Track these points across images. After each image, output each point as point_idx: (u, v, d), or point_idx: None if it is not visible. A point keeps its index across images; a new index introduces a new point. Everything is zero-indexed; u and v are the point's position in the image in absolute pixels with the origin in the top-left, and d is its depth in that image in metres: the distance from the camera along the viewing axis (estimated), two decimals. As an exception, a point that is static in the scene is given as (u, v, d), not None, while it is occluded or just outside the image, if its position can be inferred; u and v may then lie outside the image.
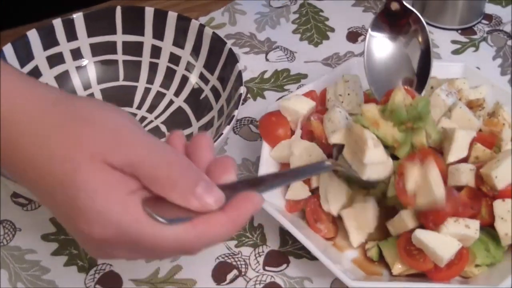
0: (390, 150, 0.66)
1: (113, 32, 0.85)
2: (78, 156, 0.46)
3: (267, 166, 0.73)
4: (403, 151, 0.66)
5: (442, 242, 0.63)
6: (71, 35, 0.84)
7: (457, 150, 0.68)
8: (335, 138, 0.66)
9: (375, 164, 0.63)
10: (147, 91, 0.86)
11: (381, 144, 0.64)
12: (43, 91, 0.50)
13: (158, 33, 0.85)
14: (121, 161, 0.47)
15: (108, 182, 0.47)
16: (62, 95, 0.51)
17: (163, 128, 0.83)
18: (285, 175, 0.62)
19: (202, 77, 0.84)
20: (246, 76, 0.90)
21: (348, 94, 0.74)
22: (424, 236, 0.64)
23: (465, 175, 0.67)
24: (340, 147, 0.66)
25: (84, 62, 0.86)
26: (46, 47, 0.82)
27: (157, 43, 0.85)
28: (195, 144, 0.52)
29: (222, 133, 0.70)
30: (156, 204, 0.47)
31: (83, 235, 0.48)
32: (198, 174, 0.49)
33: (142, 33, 0.86)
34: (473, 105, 0.77)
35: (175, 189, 0.47)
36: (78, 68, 0.85)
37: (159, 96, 0.86)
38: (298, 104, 0.75)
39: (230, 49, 0.80)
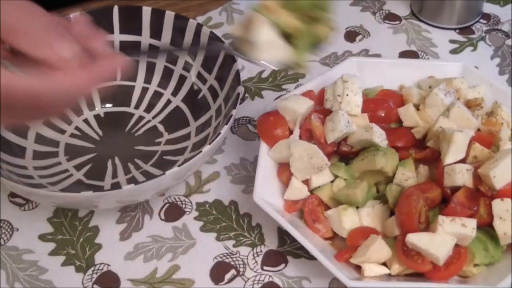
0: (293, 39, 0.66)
1: (110, 31, 0.85)
2: None
3: (265, 165, 0.73)
4: (304, 42, 0.66)
5: (436, 241, 0.63)
6: (69, 34, 0.84)
7: (455, 152, 0.68)
8: (234, 29, 0.67)
9: (268, 45, 0.64)
10: (144, 90, 0.86)
11: (274, 28, 0.65)
12: None
13: (156, 33, 0.85)
14: None
15: None
16: None
17: (161, 127, 0.83)
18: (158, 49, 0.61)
19: (199, 76, 0.84)
20: (243, 76, 0.90)
21: (347, 95, 0.74)
22: (417, 239, 0.63)
23: (461, 176, 0.67)
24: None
25: (82, 61, 0.85)
26: (43, 46, 0.82)
27: (155, 42, 0.85)
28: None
29: (220, 133, 0.70)
30: (14, 60, 0.46)
31: None
32: (56, 26, 0.47)
33: (139, 33, 0.85)
34: (471, 105, 0.77)
35: (25, 36, 0.45)
36: (76, 67, 0.85)
37: (157, 95, 0.86)
38: (296, 104, 0.75)
39: (228, 49, 0.79)
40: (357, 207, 0.70)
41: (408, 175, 0.70)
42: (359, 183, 0.70)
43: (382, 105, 0.77)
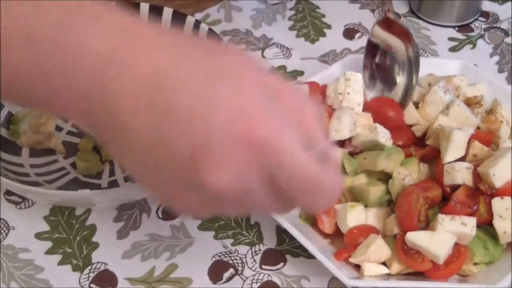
0: None
1: (108, 28, 0.84)
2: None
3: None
4: None
5: (436, 240, 0.63)
6: (66, 31, 0.83)
7: (454, 150, 0.68)
8: None
9: None
10: (142, 88, 0.85)
11: None
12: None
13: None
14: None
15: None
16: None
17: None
18: None
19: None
20: (242, 73, 0.89)
21: (348, 93, 0.73)
22: (416, 237, 0.63)
23: (461, 174, 0.67)
24: None
25: (79, 58, 0.85)
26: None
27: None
28: None
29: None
30: None
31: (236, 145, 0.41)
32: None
33: (137, 30, 0.85)
34: (471, 103, 0.76)
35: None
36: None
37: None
38: None
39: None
40: (366, 206, 0.69)
41: (404, 173, 0.69)
42: (378, 184, 0.70)
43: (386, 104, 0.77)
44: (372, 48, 0.79)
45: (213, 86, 0.41)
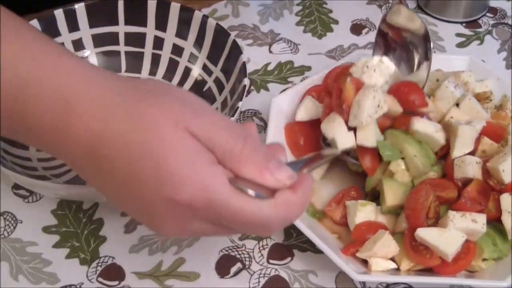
0: None
1: (115, 23, 0.84)
2: (163, 123, 0.46)
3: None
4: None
5: (446, 237, 0.63)
6: (73, 25, 0.83)
7: (462, 145, 0.68)
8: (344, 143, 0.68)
9: None
10: (149, 82, 0.86)
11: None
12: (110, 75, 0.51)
13: (161, 24, 0.84)
14: (201, 132, 0.47)
15: (193, 149, 0.47)
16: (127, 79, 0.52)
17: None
18: (314, 158, 0.63)
19: (205, 68, 0.83)
20: (249, 68, 0.89)
21: (374, 70, 0.71)
22: (426, 234, 0.63)
23: (472, 168, 0.67)
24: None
25: (86, 53, 0.85)
26: (47, 37, 0.81)
27: (160, 34, 0.85)
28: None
29: (226, 125, 0.69)
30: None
31: (166, 205, 0.47)
32: (268, 152, 0.50)
33: (144, 24, 0.85)
34: (480, 98, 0.76)
35: (249, 163, 0.48)
36: (80, 59, 0.84)
37: (162, 87, 0.85)
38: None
39: (234, 41, 0.79)
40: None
41: (397, 168, 0.69)
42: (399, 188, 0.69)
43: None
44: (382, 36, 0.78)
45: (142, 156, 0.47)
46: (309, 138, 0.76)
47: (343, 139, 0.68)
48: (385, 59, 0.74)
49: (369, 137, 0.68)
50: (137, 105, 0.47)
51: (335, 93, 0.71)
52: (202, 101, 0.50)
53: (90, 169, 0.49)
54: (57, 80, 0.48)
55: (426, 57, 0.75)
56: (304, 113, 0.76)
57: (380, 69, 0.72)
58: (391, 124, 0.71)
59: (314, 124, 0.76)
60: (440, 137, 0.69)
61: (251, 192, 0.48)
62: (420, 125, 0.69)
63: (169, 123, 0.47)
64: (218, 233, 0.52)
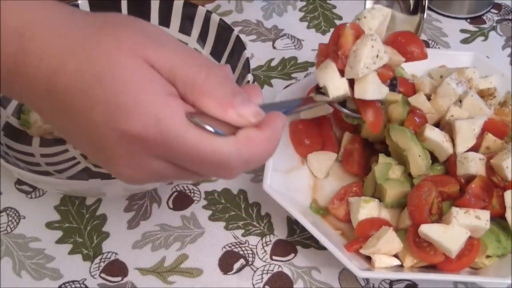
0: None
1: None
2: (118, 52, 0.44)
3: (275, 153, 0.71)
4: None
5: (450, 234, 0.62)
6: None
7: (463, 140, 0.68)
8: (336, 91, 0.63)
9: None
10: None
11: None
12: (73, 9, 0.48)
13: (164, 20, 0.84)
14: (161, 62, 0.45)
15: (149, 78, 0.44)
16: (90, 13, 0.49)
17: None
18: (305, 102, 0.62)
19: (208, 64, 0.83)
20: (253, 64, 0.89)
21: (365, 17, 0.65)
22: (430, 230, 0.63)
23: (474, 164, 0.66)
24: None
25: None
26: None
27: (163, 29, 0.84)
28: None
29: (229, 121, 0.69)
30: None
31: (117, 139, 0.45)
32: (236, 86, 0.47)
33: (148, 19, 0.84)
34: (484, 94, 0.76)
35: (212, 97, 0.45)
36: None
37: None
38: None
39: (238, 36, 0.78)
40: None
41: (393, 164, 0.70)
42: (398, 185, 0.69)
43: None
44: None
45: (97, 84, 0.44)
46: (315, 136, 0.76)
47: (335, 87, 0.62)
48: (378, 5, 0.70)
49: (368, 89, 0.62)
50: (93, 36, 0.45)
51: (331, 38, 0.65)
52: (169, 35, 0.48)
53: (49, 109, 0.47)
54: (18, 20, 0.45)
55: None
56: (308, 111, 0.76)
57: (372, 14, 0.66)
58: (393, 76, 0.65)
59: (319, 122, 0.75)
60: (448, 146, 0.69)
61: (209, 127, 0.45)
62: (432, 133, 0.69)
63: (125, 53, 0.44)
64: (179, 177, 0.49)
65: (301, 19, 0.98)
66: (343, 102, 0.65)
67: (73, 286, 0.67)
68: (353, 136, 0.75)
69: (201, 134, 0.45)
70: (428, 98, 0.75)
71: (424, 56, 0.67)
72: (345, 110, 0.65)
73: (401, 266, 0.65)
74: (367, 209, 0.67)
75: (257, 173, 0.77)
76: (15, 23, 0.45)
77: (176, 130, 0.44)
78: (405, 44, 0.66)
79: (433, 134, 0.69)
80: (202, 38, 0.83)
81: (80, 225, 0.72)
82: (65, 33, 0.45)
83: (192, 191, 0.76)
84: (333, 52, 0.63)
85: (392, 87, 0.65)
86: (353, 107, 0.65)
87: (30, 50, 0.45)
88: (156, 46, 0.45)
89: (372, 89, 0.62)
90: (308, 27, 0.97)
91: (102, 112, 0.44)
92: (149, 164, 0.46)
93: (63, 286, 0.67)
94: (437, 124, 0.73)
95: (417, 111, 0.72)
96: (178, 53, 0.46)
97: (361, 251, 0.66)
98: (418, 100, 0.74)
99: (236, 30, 0.81)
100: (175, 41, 0.48)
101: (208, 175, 0.50)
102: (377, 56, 0.61)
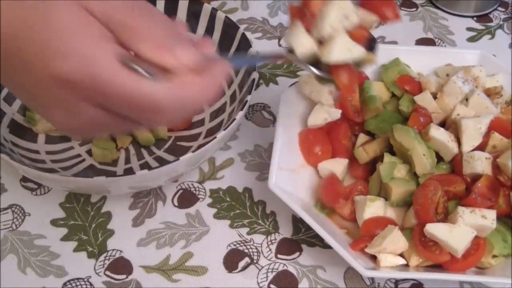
0: None
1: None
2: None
3: (280, 152, 0.71)
4: None
5: (456, 233, 0.62)
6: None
7: (469, 139, 0.68)
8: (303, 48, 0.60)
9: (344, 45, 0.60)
10: (158, 75, 0.85)
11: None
12: None
13: (170, 17, 0.84)
14: (98, 8, 0.44)
15: (82, 22, 0.44)
16: None
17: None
18: (276, 57, 0.61)
19: (214, 62, 0.83)
20: (258, 62, 0.89)
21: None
22: (435, 229, 0.63)
23: (480, 163, 0.66)
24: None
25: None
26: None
27: None
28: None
29: (234, 119, 0.69)
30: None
31: (47, 82, 0.44)
32: (175, 29, 0.46)
33: (153, 17, 0.84)
34: (490, 93, 0.76)
35: (148, 39, 0.44)
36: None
37: (170, 81, 0.85)
38: None
39: (243, 34, 0.78)
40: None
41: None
42: (404, 184, 0.68)
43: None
44: None
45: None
46: (325, 144, 0.75)
47: (301, 44, 0.60)
48: None
49: (333, 50, 0.59)
50: None
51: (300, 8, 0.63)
52: None
53: (3, 70, 0.47)
54: None
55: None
56: (314, 119, 0.74)
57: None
58: (368, 36, 0.63)
59: (328, 130, 0.75)
60: (453, 146, 0.68)
61: (142, 70, 0.43)
62: (437, 132, 0.68)
63: (63, 1, 0.44)
64: (116, 125, 0.48)
65: (307, 17, 0.98)
66: (317, 65, 0.62)
67: (78, 283, 0.67)
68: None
69: (133, 77, 0.44)
70: (434, 96, 0.75)
71: (396, 17, 0.65)
72: (315, 70, 0.62)
73: (407, 265, 0.65)
74: (373, 208, 0.67)
75: (262, 171, 0.77)
76: None
77: (107, 73, 0.43)
78: (378, 6, 0.64)
79: (438, 134, 0.68)
80: (208, 36, 0.82)
81: (85, 223, 0.72)
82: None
83: (197, 189, 0.76)
84: (302, 12, 0.62)
85: (370, 48, 0.63)
86: (327, 70, 0.63)
87: None
88: None
89: (337, 50, 0.59)
90: (314, 24, 0.97)
91: (36, 56, 0.43)
92: (85, 110, 0.46)
93: (68, 283, 0.67)
94: (443, 123, 0.73)
95: (421, 110, 0.72)
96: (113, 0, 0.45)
97: (367, 250, 0.65)
98: (424, 99, 0.74)
99: (242, 27, 0.81)
100: None
101: (143, 120, 0.48)
102: (344, 16, 0.60)
